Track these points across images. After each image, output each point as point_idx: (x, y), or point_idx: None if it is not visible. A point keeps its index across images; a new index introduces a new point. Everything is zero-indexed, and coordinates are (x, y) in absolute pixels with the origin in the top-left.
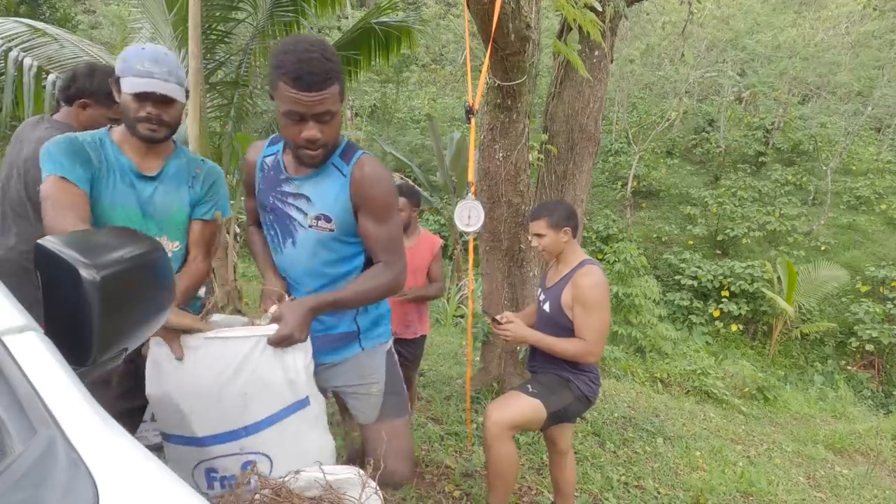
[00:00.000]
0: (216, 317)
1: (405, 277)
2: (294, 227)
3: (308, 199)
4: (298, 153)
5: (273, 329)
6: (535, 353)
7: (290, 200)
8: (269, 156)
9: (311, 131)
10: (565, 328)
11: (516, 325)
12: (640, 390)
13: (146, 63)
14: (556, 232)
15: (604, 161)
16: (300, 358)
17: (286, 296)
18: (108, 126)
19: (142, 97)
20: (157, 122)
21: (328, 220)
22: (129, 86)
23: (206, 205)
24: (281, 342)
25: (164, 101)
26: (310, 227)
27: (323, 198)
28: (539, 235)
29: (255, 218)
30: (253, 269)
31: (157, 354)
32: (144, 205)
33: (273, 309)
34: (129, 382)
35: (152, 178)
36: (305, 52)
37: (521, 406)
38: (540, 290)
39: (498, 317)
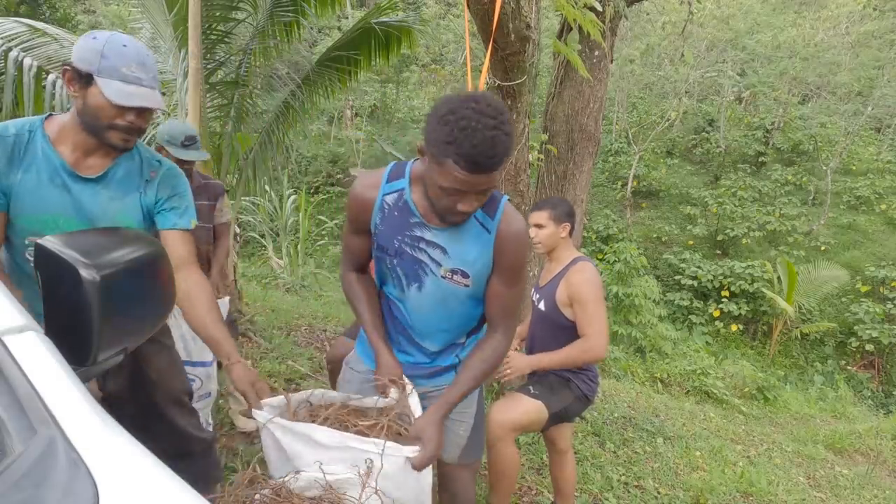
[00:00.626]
0: (301, 394)
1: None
2: (424, 273)
3: (444, 250)
4: (444, 216)
5: (412, 450)
6: (534, 353)
7: (423, 246)
8: (390, 193)
9: (469, 205)
10: (561, 326)
11: (514, 359)
12: (640, 390)
13: (133, 66)
14: (556, 226)
15: (604, 161)
16: (428, 476)
17: (406, 383)
18: (47, 114)
19: (126, 106)
20: (135, 131)
21: (465, 275)
22: (114, 93)
23: (174, 212)
24: (427, 464)
25: (148, 110)
26: (443, 277)
27: (463, 254)
28: (539, 226)
29: (356, 261)
30: (253, 270)
31: (283, 442)
32: (81, 211)
33: (414, 426)
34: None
35: (93, 181)
36: (487, 129)
37: (523, 408)
38: (534, 289)
39: None
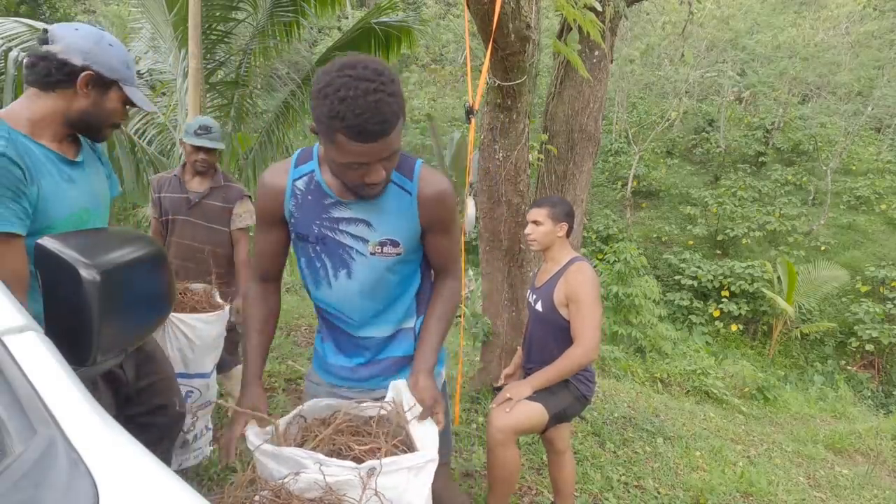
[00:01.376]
0: (292, 413)
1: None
2: (350, 257)
3: (368, 224)
4: (357, 192)
5: (412, 459)
6: (532, 354)
7: (343, 227)
8: (300, 178)
9: (376, 175)
10: (560, 326)
11: (513, 388)
12: (640, 390)
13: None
14: (554, 224)
15: (604, 161)
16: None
17: (270, 421)
18: None
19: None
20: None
21: (395, 244)
22: (141, 101)
23: (113, 180)
24: (427, 415)
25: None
26: (372, 254)
27: (387, 221)
28: (536, 223)
29: (266, 266)
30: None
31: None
32: (92, 197)
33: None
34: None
35: (80, 164)
36: (368, 94)
37: (524, 411)
38: (530, 290)
39: (497, 384)
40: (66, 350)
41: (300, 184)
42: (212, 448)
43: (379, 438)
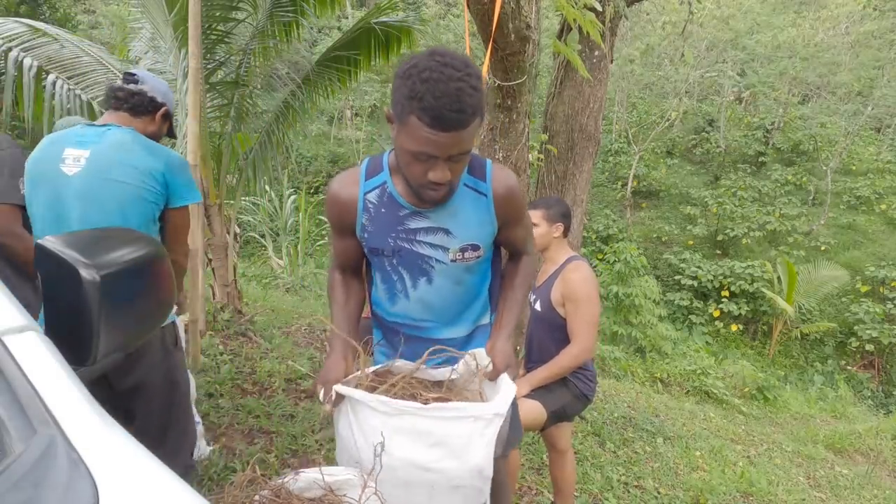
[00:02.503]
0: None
1: None
2: (430, 265)
3: (447, 231)
4: (418, 191)
5: (480, 407)
6: (532, 354)
7: (421, 237)
8: (371, 191)
9: (440, 173)
10: (559, 325)
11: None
12: (640, 390)
13: None
14: (550, 225)
15: (604, 161)
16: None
17: (362, 353)
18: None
19: None
20: None
21: (475, 248)
22: None
23: None
24: (497, 376)
25: None
26: (453, 261)
27: (466, 227)
28: (532, 225)
29: (343, 262)
30: (253, 269)
31: (362, 423)
32: None
33: (482, 360)
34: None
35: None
36: (451, 81)
37: (522, 408)
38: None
39: None
40: (66, 350)
41: (372, 197)
42: (211, 448)
43: (450, 392)
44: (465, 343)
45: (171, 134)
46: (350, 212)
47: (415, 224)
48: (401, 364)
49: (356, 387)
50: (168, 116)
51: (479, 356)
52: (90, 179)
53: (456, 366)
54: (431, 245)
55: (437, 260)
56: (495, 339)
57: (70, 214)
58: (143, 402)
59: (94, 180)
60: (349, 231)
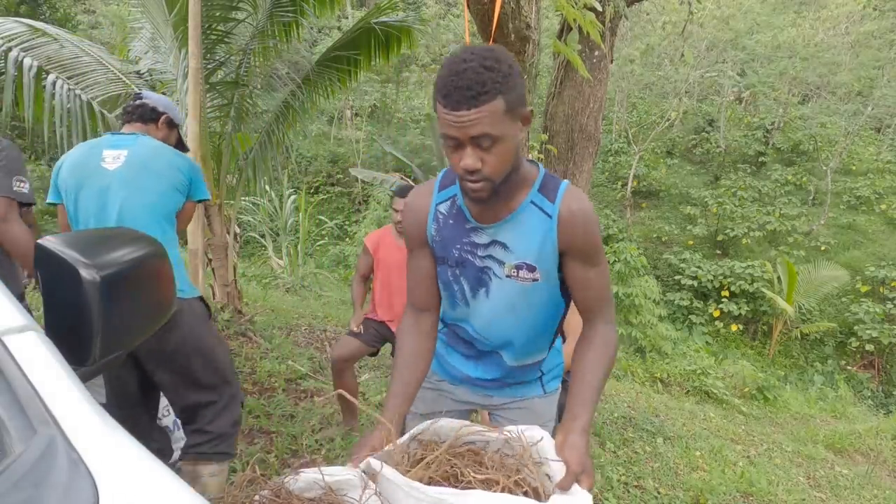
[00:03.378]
0: (407, 436)
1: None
2: (489, 277)
3: (505, 246)
4: (462, 188)
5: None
6: None
7: (482, 252)
8: (442, 202)
9: (467, 159)
10: None
11: None
12: (640, 390)
13: None
14: None
15: (604, 161)
16: None
17: (393, 438)
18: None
19: None
20: None
21: (531, 269)
22: None
23: None
24: (570, 484)
25: None
26: (508, 276)
27: (525, 244)
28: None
29: (421, 292)
30: (253, 270)
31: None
32: None
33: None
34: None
35: None
36: (461, 62)
37: None
38: None
39: None
40: (66, 350)
41: (443, 208)
42: None
43: (499, 471)
44: (513, 371)
45: (182, 146)
46: (422, 221)
47: (477, 238)
48: (445, 424)
49: (394, 456)
50: (172, 126)
51: (544, 450)
52: (132, 171)
53: (509, 434)
54: (491, 258)
55: (493, 272)
56: (566, 433)
57: (114, 201)
58: (181, 366)
59: (136, 171)
60: (423, 242)
